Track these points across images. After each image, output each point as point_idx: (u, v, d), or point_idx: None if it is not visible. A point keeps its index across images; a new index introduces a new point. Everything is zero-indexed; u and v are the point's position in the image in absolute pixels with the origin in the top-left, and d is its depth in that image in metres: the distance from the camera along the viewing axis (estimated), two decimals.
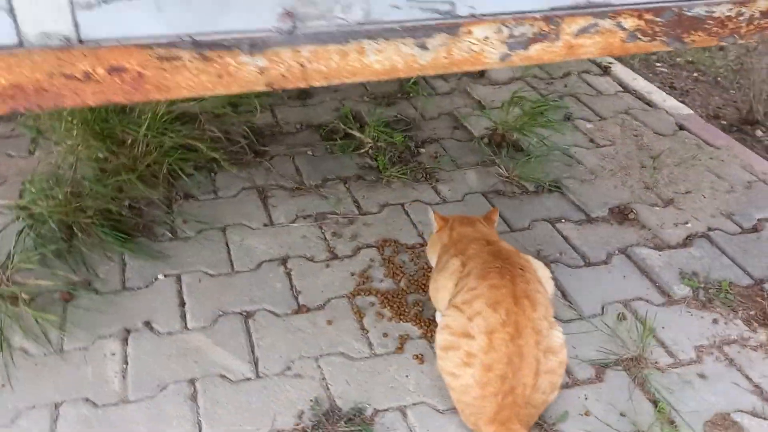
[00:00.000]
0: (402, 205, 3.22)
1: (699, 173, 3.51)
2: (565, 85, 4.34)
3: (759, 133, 4.06)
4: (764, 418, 2.21)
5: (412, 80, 4.16)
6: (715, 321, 2.60)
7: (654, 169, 3.48)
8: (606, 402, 2.27)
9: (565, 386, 2.32)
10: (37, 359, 2.36)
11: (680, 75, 4.85)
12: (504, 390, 1.97)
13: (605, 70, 4.58)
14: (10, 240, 2.67)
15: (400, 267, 2.82)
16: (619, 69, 4.61)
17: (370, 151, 3.60)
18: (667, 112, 4.09)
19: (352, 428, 2.13)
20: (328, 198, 3.24)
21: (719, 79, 4.71)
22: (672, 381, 2.34)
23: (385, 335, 2.50)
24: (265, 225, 3.06)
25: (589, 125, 3.90)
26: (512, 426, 1.97)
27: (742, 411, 2.23)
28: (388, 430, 2.16)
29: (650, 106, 4.18)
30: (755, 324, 2.59)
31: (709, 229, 3.09)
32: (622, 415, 2.22)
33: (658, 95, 4.32)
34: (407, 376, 2.36)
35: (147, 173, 3.15)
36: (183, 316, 2.57)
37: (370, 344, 2.47)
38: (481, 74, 4.47)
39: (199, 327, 2.52)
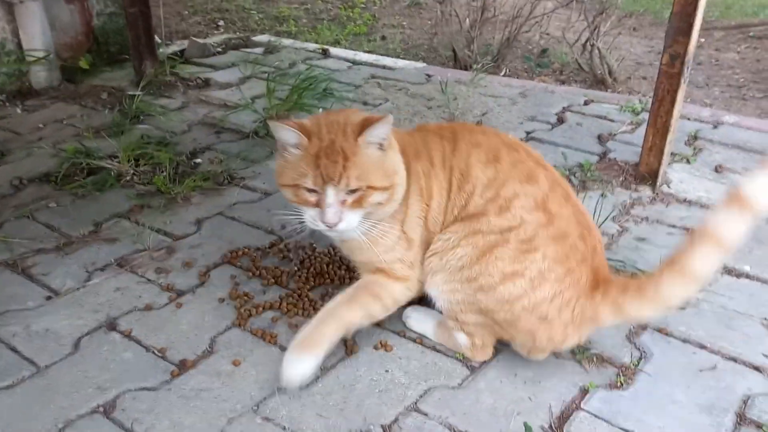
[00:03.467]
0: (221, 213, 2.49)
1: (478, 99, 3.49)
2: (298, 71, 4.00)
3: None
4: None
5: (135, 104, 3.37)
6: (603, 196, 2.50)
7: (446, 105, 3.34)
8: None
9: None
10: None
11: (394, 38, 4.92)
12: (588, 252, 1.58)
13: (324, 54, 4.37)
14: None
15: (274, 268, 2.11)
16: (337, 51, 4.46)
17: (135, 178, 2.75)
18: (405, 68, 4.04)
19: None
20: (119, 239, 2.33)
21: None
22: (623, 253, 2.14)
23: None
24: (49, 298, 2.04)
25: (350, 94, 3.61)
26: (615, 284, 1.58)
27: None
28: None
29: (389, 69, 4.08)
30: (632, 185, 2.56)
31: (527, 132, 3.04)
32: None
33: (388, 60, 4.27)
34: (387, 370, 1.71)
35: None
36: None
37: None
38: (207, 82, 3.87)
39: None
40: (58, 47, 3.78)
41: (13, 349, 1.81)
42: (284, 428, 1.54)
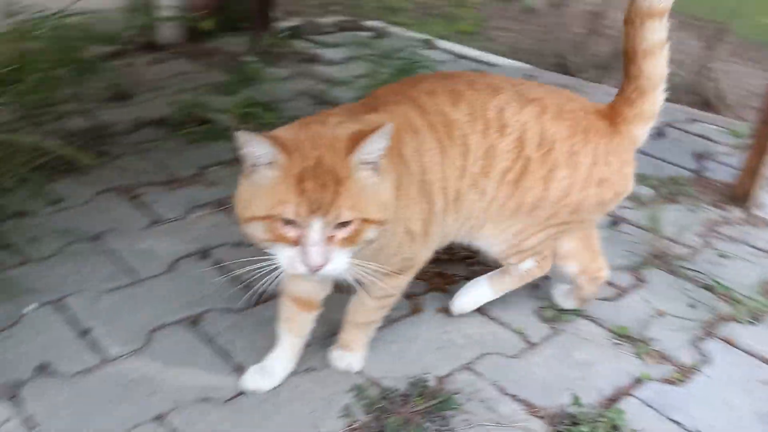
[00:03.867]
0: None
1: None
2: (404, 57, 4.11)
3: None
4: None
5: (247, 69, 3.60)
6: (691, 210, 2.48)
7: None
8: (666, 298, 1.96)
9: (618, 297, 1.97)
10: None
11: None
12: (580, 105, 1.65)
13: (430, 44, 4.48)
14: None
15: None
16: (442, 43, 4.55)
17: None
18: (509, 68, 4.09)
19: (432, 402, 1.51)
20: (219, 184, 2.53)
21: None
22: (702, 265, 2.13)
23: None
24: (155, 223, 2.25)
25: None
26: (615, 106, 1.67)
27: None
28: (472, 393, 1.58)
29: (490, 65, 4.14)
30: (722, 204, 2.53)
31: None
32: (692, 306, 1.93)
33: (492, 57, 4.33)
34: (446, 331, 1.80)
35: None
36: (95, 345, 1.69)
37: None
38: (314, 59, 4.06)
39: (129, 351, 1.67)
40: (186, 8, 4.07)
41: (118, 261, 2.02)
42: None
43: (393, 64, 3.68)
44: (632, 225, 2.34)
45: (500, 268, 1.79)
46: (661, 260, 2.14)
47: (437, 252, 1.66)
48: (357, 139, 1.20)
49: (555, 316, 1.87)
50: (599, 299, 1.95)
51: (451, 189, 1.52)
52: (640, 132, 1.64)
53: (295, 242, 1.19)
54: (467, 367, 1.68)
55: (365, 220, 1.22)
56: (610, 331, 1.83)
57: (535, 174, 1.55)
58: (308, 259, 1.18)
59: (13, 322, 1.75)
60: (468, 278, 2.01)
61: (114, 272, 1.97)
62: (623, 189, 1.65)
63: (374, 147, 1.21)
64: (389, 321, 1.81)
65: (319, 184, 1.17)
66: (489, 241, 1.67)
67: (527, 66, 4.19)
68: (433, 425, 1.48)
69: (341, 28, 4.68)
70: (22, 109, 2.89)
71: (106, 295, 1.87)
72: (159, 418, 1.49)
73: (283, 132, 1.27)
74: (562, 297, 1.89)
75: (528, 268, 1.74)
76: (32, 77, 2.68)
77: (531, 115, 1.54)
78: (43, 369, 1.60)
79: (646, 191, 2.55)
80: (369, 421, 1.48)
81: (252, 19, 4.00)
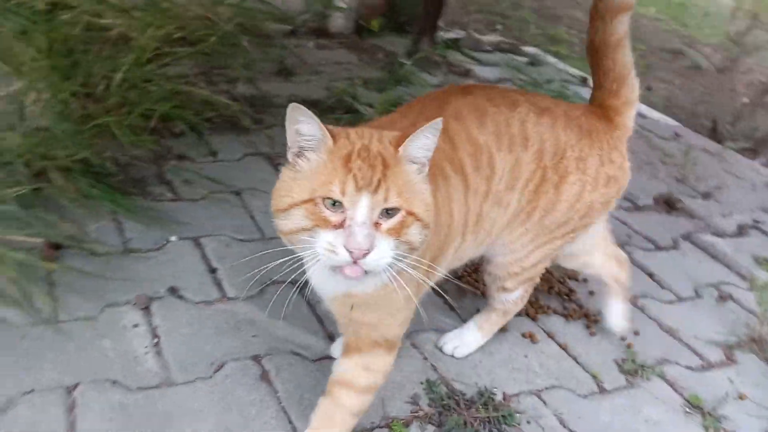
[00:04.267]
0: None
1: (717, 172, 3.42)
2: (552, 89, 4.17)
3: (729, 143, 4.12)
4: None
5: (401, 71, 3.81)
6: None
7: (682, 167, 3.33)
8: (752, 383, 1.95)
9: (702, 369, 1.98)
10: (23, 331, 1.64)
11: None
12: (574, 107, 1.69)
13: (584, 81, 4.49)
14: None
15: None
16: None
17: None
18: (658, 121, 4.04)
19: (493, 414, 1.63)
20: None
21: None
22: None
23: (479, 311, 2.03)
24: None
25: None
26: (599, 100, 1.72)
27: None
28: (533, 418, 1.68)
29: (640, 115, 4.09)
30: None
31: (755, 221, 2.95)
32: None
33: (642, 107, 4.27)
34: (526, 356, 1.90)
35: (127, 124, 2.48)
36: (218, 284, 1.94)
37: (464, 321, 1.98)
38: (467, 73, 4.21)
39: (244, 296, 1.91)
40: (359, 3, 4.36)
41: (251, 217, 2.28)
42: (425, 358, 1.80)
43: (541, 92, 3.75)
44: (738, 304, 2.31)
45: (484, 310, 1.85)
46: (759, 345, 2.10)
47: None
48: (406, 134, 1.17)
49: (634, 369, 1.91)
50: (684, 366, 1.97)
51: (472, 216, 1.48)
52: (630, 120, 1.68)
53: (338, 225, 1.10)
54: (536, 393, 1.77)
55: (411, 213, 1.14)
56: (685, 398, 1.85)
57: (549, 182, 1.57)
58: (353, 241, 1.07)
59: (159, 246, 2.04)
60: (558, 312, 2.10)
61: (246, 226, 2.22)
62: (625, 182, 1.69)
63: (423, 142, 1.16)
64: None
65: (368, 164, 1.12)
66: (498, 249, 1.65)
67: (674, 123, 4.12)
68: None
69: (499, 48, 4.80)
70: (201, 66, 3.28)
71: (236, 244, 2.12)
72: (255, 357, 1.70)
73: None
74: (615, 319, 1.95)
75: (514, 299, 1.77)
76: (214, 40, 3.02)
77: (547, 125, 1.56)
78: (173, 291, 1.86)
79: (764, 275, 2.49)
80: (432, 414, 1.62)
81: (418, 24, 4.22)
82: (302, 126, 1.15)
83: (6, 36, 2.43)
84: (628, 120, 1.68)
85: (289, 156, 1.18)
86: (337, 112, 3.21)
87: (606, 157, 1.62)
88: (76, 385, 1.51)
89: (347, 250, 1.08)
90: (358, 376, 1.38)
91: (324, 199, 1.11)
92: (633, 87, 1.66)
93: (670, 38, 6.71)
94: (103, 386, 1.52)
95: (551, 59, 4.81)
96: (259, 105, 3.17)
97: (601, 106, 1.68)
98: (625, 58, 1.63)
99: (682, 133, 3.92)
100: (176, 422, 1.47)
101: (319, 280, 1.29)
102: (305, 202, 1.12)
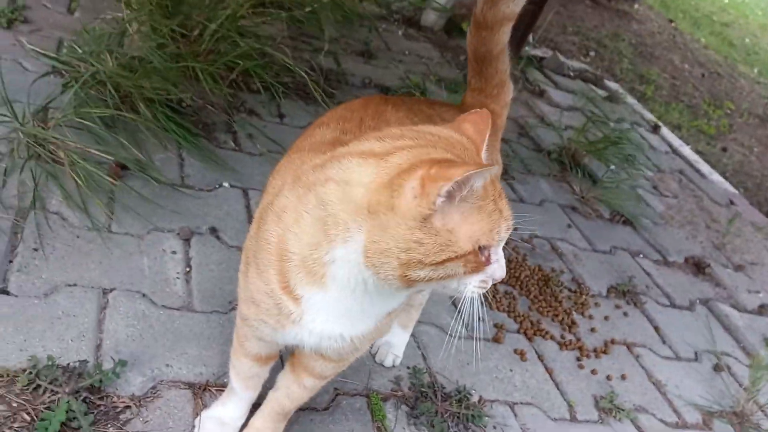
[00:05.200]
0: None
1: (759, 247, 3.43)
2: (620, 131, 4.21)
3: None
4: None
5: None
6: None
7: (723, 234, 3.36)
8: None
9: (676, 426, 2.08)
10: (78, 231, 1.86)
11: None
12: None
13: (654, 129, 4.51)
14: (43, 91, 2.18)
15: None
16: (665, 132, 4.56)
17: None
18: (717, 184, 4.04)
19: (464, 411, 1.77)
20: None
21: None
22: None
23: (481, 320, 2.16)
24: None
25: (649, 173, 3.76)
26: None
27: None
28: (500, 425, 1.82)
29: (700, 174, 4.11)
30: None
31: None
32: None
33: (705, 167, 4.28)
34: (511, 370, 2.03)
35: (212, 71, 2.69)
36: None
37: (466, 325, 2.12)
38: (542, 93, 4.29)
39: None
40: (456, 2, 4.47)
41: None
42: (418, 347, 1.96)
43: (605, 129, 3.80)
44: (734, 378, 2.38)
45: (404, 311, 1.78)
46: (739, 419, 2.18)
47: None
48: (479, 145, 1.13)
49: (609, 408, 2.02)
50: (658, 419, 2.06)
51: None
52: (504, 121, 1.72)
53: (481, 265, 1.04)
54: (510, 404, 1.90)
55: None
56: None
57: None
58: (501, 269, 1.06)
59: (211, 188, 2.25)
60: (555, 339, 2.21)
61: None
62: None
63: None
64: (469, 338, 2.08)
65: (502, 197, 1.07)
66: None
67: (733, 190, 4.11)
68: (455, 427, 1.74)
69: (582, 76, 4.85)
70: (291, 30, 3.48)
71: None
72: None
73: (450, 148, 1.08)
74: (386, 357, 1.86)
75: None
76: (305, 10, 3.20)
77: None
78: (213, 231, 2.07)
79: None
80: (409, 396, 1.78)
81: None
82: (476, 180, 0.99)
83: None
84: (504, 121, 1.74)
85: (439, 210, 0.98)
86: (437, 100, 3.36)
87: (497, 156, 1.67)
88: (111, 290, 1.73)
89: (496, 279, 1.07)
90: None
91: (489, 245, 1.03)
92: (510, 91, 1.72)
93: (764, 103, 6.58)
94: (134, 296, 1.73)
95: (630, 100, 4.82)
96: (334, 79, 3.35)
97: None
98: (505, 66, 1.67)
99: (738, 203, 3.91)
100: (186, 342, 1.67)
101: None
102: (467, 255, 1.01)
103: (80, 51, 2.48)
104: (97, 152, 2.10)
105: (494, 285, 1.11)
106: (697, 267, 3.00)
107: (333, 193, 1.03)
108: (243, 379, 1.43)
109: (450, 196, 0.97)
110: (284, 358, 1.46)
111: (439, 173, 0.96)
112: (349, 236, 1.02)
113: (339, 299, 1.11)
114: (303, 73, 3.00)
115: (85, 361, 1.51)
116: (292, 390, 1.41)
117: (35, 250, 1.75)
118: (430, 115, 1.52)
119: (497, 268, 1.06)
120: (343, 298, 1.11)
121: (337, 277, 1.07)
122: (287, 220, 1.10)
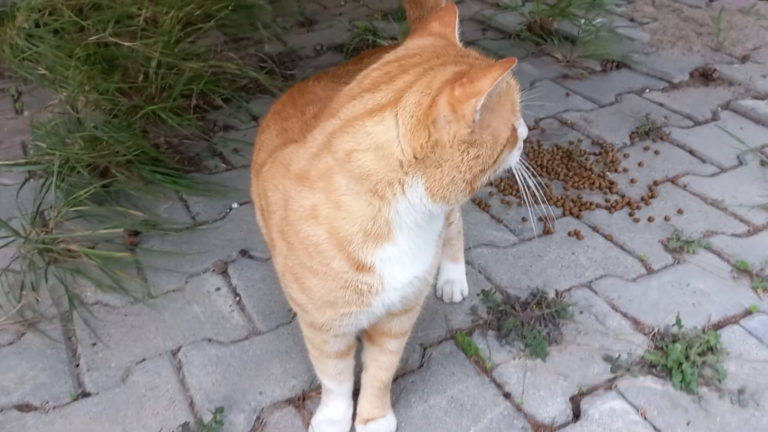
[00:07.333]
0: None
1: (755, 31, 3.32)
2: None
3: None
4: None
5: None
6: None
7: (716, 34, 3.26)
8: None
9: (749, 234, 2.06)
10: (124, 310, 1.88)
11: None
12: None
13: None
14: (30, 197, 2.18)
15: None
16: None
17: None
18: None
19: (547, 311, 1.77)
20: None
21: None
22: None
23: (524, 220, 2.15)
24: None
25: (619, 9, 3.65)
26: None
27: None
28: (585, 308, 1.82)
29: None
30: None
31: None
32: None
33: None
34: (573, 253, 2.02)
35: (171, 107, 2.65)
36: None
37: (512, 231, 2.11)
38: None
39: None
40: None
41: None
42: (479, 272, 1.96)
43: None
44: None
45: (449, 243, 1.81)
46: None
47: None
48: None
49: (680, 246, 2.01)
50: (730, 234, 2.04)
51: None
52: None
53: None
54: (586, 285, 1.90)
55: None
56: (732, 265, 1.94)
57: None
58: (524, 128, 1.10)
59: (223, 215, 2.24)
60: (601, 206, 2.19)
61: None
62: None
63: None
64: (522, 240, 2.07)
65: None
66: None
67: None
68: (545, 329, 1.74)
69: None
70: (227, 34, 3.40)
71: None
72: None
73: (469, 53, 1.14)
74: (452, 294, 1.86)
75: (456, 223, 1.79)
76: (231, 8, 3.12)
77: None
78: (244, 253, 2.07)
79: None
80: (491, 320, 1.78)
81: None
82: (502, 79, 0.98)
83: (44, 55, 2.64)
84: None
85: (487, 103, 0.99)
86: (362, 50, 3.29)
87: None
88: (179, 348, 1.75)
89: (524, 137, 1.11)
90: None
91: (516, 125, 1.08)
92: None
93: None
94: (201, 345, 1.75)
95: None
96: (287, 60, 3.30)
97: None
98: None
99: None
100: (267, 364, 1.69)
101: None
102: (507, 141, 1.06)
103: (44, 146, 2.46)
104: (105, 231, 2.10)
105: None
106: (705, 76, 2.93)
107: (366, 162, 1.02)
108: (333, 376, 1.45)
109: (483, 106, 0.98)
110: (361, 339, 1.46)
111: (466, 92, 0.96)
112: (407, 187, 1.03)
113: (407, 243, 1.12)
114: (252, 71, 2.95)
115: (187, 423, 1.53)
116: (382, 360, 1.43)
117: (93, 344, 1.77)
118: (355, 72, 1.24)
119: (522, 131, 1.10)
120: (410, 240, 1.13)
121: (403, 225, 1.09)
122: (326, 214, 1.10)
